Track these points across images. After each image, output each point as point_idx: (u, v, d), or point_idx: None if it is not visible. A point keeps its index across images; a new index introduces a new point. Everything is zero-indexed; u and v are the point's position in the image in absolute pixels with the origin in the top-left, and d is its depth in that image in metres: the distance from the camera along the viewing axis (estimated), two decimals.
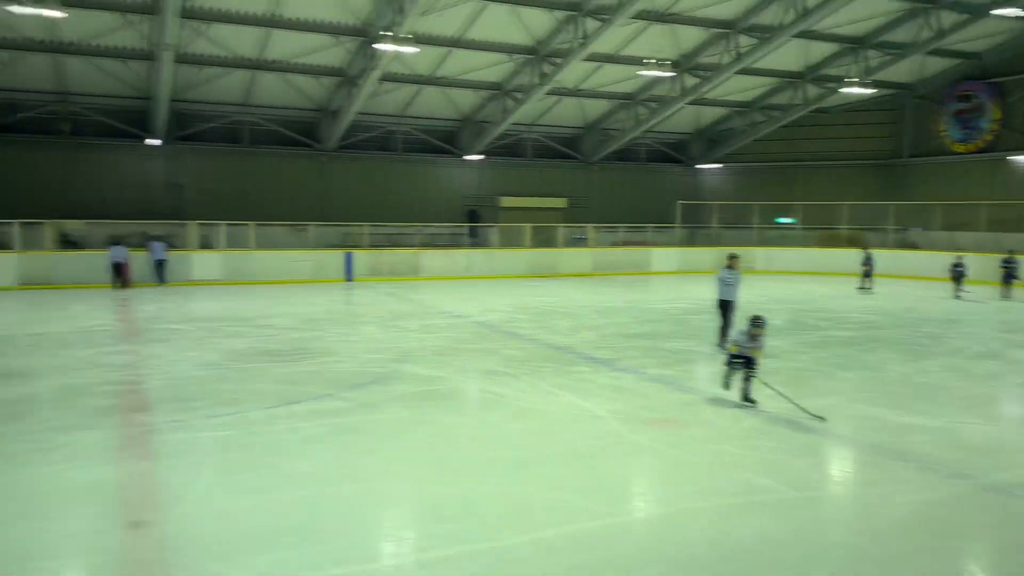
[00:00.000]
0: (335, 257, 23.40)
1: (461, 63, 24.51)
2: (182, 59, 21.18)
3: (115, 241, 20.61)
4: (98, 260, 20.07)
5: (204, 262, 21.80)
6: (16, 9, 15.91)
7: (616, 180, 33.20)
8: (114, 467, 5.80)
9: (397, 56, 21.67)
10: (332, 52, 22.80)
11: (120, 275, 19.89)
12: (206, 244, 22.88)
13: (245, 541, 4.50)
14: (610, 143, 31.15)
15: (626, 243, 29.27)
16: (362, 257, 23.62)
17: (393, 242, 26.10)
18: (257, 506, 5.04)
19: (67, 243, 21.56)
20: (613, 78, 26.75)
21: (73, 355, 10.34)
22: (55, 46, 20.72)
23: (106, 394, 8.14)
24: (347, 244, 24.87)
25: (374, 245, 25.12)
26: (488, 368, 9.66)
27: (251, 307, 16.22)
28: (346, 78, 24.19)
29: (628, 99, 29.06)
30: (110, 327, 13.37)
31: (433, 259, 24.64)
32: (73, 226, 22.02)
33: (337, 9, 20.58)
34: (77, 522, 4.75)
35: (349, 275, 23.18)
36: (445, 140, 29.72)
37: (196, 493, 5.26)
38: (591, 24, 21.63)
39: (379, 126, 28.17)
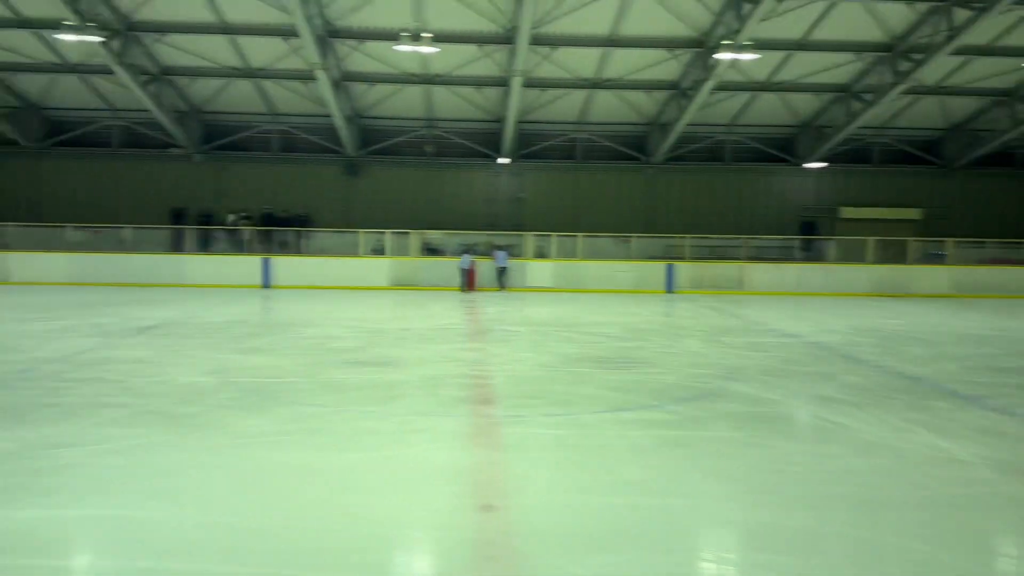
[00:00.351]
0: (657, 268, 23.61)
1: (802, 66, 23.24)
2: (529, 83, 22.97)
3: (465, 250, 23.09)
4: (451, 266, 22.61)
5: (538, 270, 23.40)
6: (399, 47, 18.63)
7: (986, 188, 28.87)
8: (466, 453, 6.44)
9: (733, 64, 21.23)
10: (666, 66, 23.05)
11: (468, 280, 22.18)
12: (540, 253, 24.53)
13: (581, 539, 4.70)
14: (979, 146, 27.18)
15: (997, 261, 25.27)
16: (684, 269, 23.52)
17: (717, 254, 25.58)
18: (591, 506, 5.23)
19: (428, 250, 24.61)
20: (986, 72, 23.38)
21: (432, 349, 11.74)
22: (425, 78, 23.76)
23: (459, 386, 9.10)
24: (669, 256, 24.93)
25: (697, 257, 24.84)
26: (825, 394, 8.97)
27: (579, 314, 17.00)
28: (678, 90, 24.29)
29: (1005, 96, 25.14)
30: (460, 326, 14.93)
31: (760, 273, 23.66)
32: (433, 235, 25.10)
33: (674, 23, 20.77)
34: (437, 499, 5.33)
35: (670, 287, 23.21)
36: (779, 148, 28.35)
37: (537, 486, 5.62)
38: (961, 14, 19.12)
39: (708, 136, 27.81)
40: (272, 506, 5.16)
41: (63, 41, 20.19)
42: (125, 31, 20.89)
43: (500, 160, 27.11)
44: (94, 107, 26.07)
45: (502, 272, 22.67)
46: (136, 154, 27.04)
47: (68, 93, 25.30)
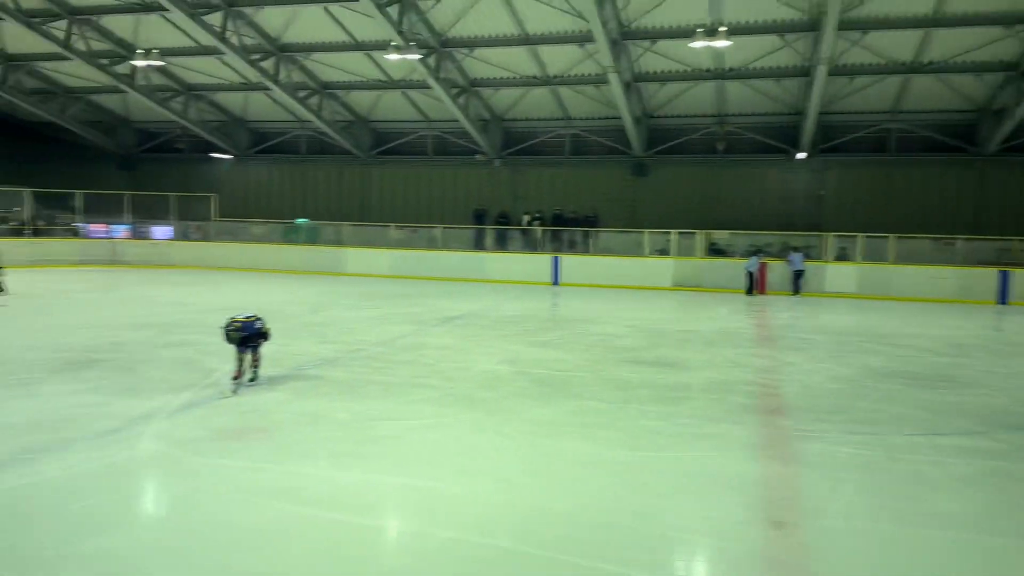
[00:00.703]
0: (987, 275, 20.58)
1: None
2: (834, 71, 21.32)
3: (752, 251, 22.10)
4: (738, 267, 21.79)
5: (838, 274, 21.64)
6: (694, 44, 18.35)
7: None
8: (756, 464, 6.15)
9: None
10: (1001, 44, 19.99)
11: (755, 283, 21.23)
12: (842, 256, 22.65)
13: (883, 571, 4.27)
14: None
15: None
16: (1021, 277, 20.24)
17: None
18: (897, 537, 4.72)
19: (714, 251, 23.94)
20: None
21: (717, 353, 11.39)
22: (719, 73, 23.12)
23: (747, 393, 8.72)
24: (1003, 261, 21.60)
25: None
26: None
27: (887, 324, 15.41)
28: (1017, 72, 20.97)
29: None
30: (748, 331, 14.32)
31: None
32: (720, 236, 24.37)
33: None
34: (723, 508, 5.17)
35: (1003, 297, 20.15)
36: None
37: (836, 507, 5.20)
38: None
39: None
40: (562, 494, 5.37)
41: (388, 60, 22.82)
42: (440, 48, 23.07)
43: (798, 155, 25.50)
44: (412, 119, 29.18)
45: (798, 275, 21.29)
46: (445, 161, 29.78)
47: (391, 107, 28.58)
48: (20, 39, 24.33)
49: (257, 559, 4.31)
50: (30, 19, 22.16)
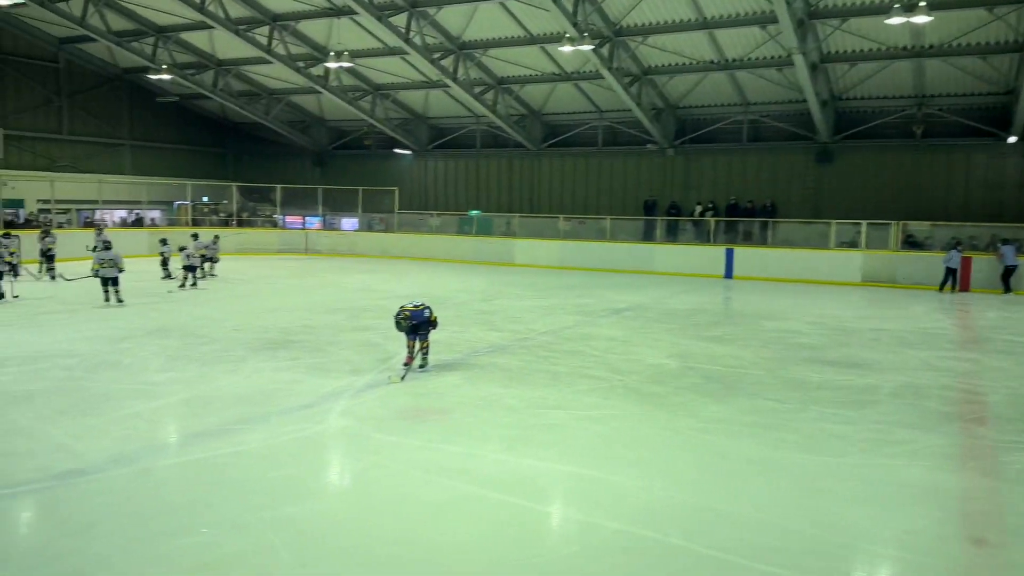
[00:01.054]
0: None
1: None
2: None
3: (952, 244, 20.16)
4: (936, 261, 19.98)
5: None
6: (890, 21, 17.00)
7: None
8: (954, 476, 5.63)
9: None
10: None
11: (955, 278, 19.37)
12: None
13: None
14: None
15: None
16: None
17: None
18: None
19: (910, 244, 22.09)
20: None
21: (912, 354, 10.50)
22: (916, 51, 21.25)
23: (944, 399, 7.99)
24: None
25: None
26: None
27: None
28: None
29: None
30: (948, 331, 13.10)
31: None
32: (917, 227, 22.43)
33: None
34: (914, 521, 4.78)
35: None
36: None
37: None
38: None
39: None
40: (734, 494, 5.20)
41: (562, 52, 22.93)
42: (613, 37, 22.88)
43: (1009, 139, 22.90)
44: (583, 110, 29.17)
45: (1010, 271, 19.14)
46: (616, 151, 29.53)
47: (563, 100, 28.72)
48: (228, 45, 26.90)
49: (432, 533, 4.53)
50: (237, 27, 24.42)
